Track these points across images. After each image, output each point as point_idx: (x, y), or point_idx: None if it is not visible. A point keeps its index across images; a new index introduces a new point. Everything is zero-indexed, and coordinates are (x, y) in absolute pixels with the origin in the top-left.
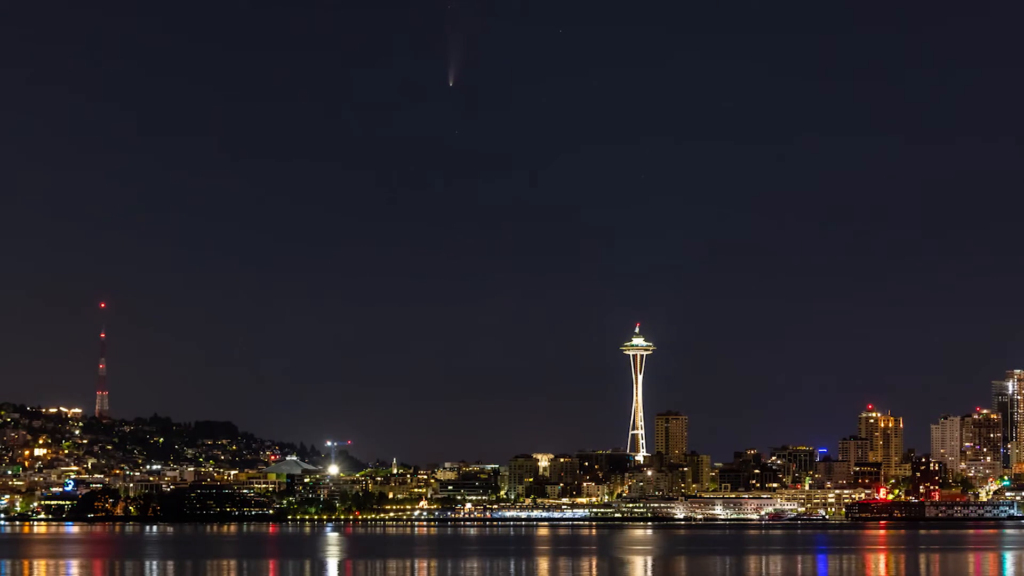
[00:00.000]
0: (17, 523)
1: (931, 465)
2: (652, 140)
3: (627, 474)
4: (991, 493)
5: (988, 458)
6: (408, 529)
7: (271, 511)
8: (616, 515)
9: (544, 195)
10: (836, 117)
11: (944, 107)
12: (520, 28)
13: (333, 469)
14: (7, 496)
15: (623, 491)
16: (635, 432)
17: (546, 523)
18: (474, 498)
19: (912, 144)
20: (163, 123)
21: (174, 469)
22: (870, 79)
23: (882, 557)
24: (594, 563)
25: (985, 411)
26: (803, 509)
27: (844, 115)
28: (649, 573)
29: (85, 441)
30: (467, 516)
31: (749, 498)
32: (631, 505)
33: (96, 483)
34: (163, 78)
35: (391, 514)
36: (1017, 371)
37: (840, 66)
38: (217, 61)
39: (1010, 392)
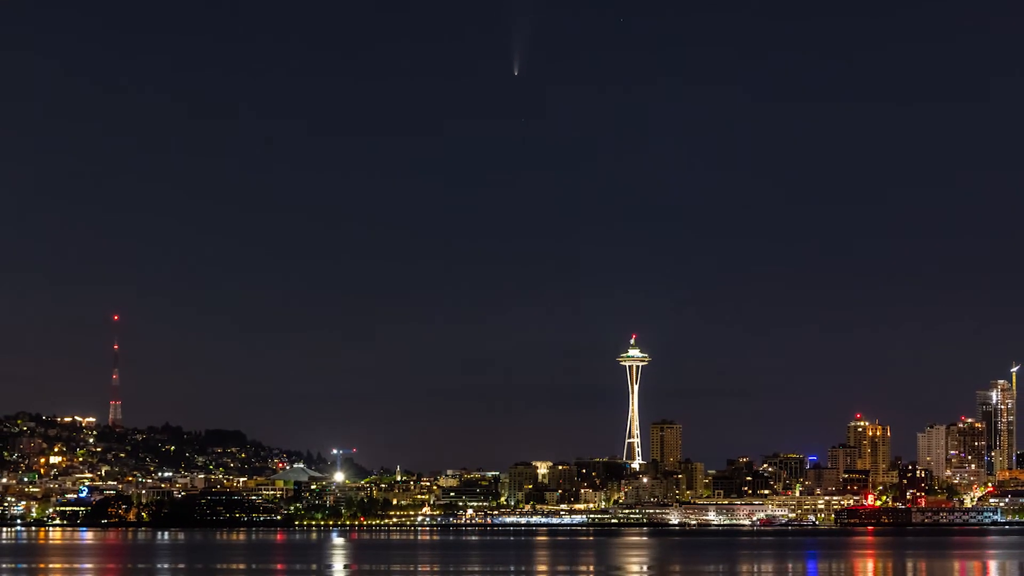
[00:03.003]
0: (33, 529)
1: (917, 472)
2: (654, 154)
3: (623, 481)
4: (975, 500)
5: (973, 466)
6: (411, 535)
7: (279, 517)
8: (613, 521)
9: (543, 206)
10: (832, 126)
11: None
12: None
13: (339, 476)
14: (23, 502)
15: (620, 497)
16: (631, 440)
17: (545, 529)
18: (475, 504)
19: None
20: (179, 138)
21: (185, 476)
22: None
23: (870, 563)
24: (592, 568)
25: (970, 420)
26: (794, 515)
27: (839, 124)
28: None
29: (99, 449)
30: (468, 522)
31: (741, 504)
32: (627, 511)
33: (109, 490)
34: (186, 87)
35: (395, 520)
36: (1001, 381)
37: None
38: (247, 56)
39: (994, 402)
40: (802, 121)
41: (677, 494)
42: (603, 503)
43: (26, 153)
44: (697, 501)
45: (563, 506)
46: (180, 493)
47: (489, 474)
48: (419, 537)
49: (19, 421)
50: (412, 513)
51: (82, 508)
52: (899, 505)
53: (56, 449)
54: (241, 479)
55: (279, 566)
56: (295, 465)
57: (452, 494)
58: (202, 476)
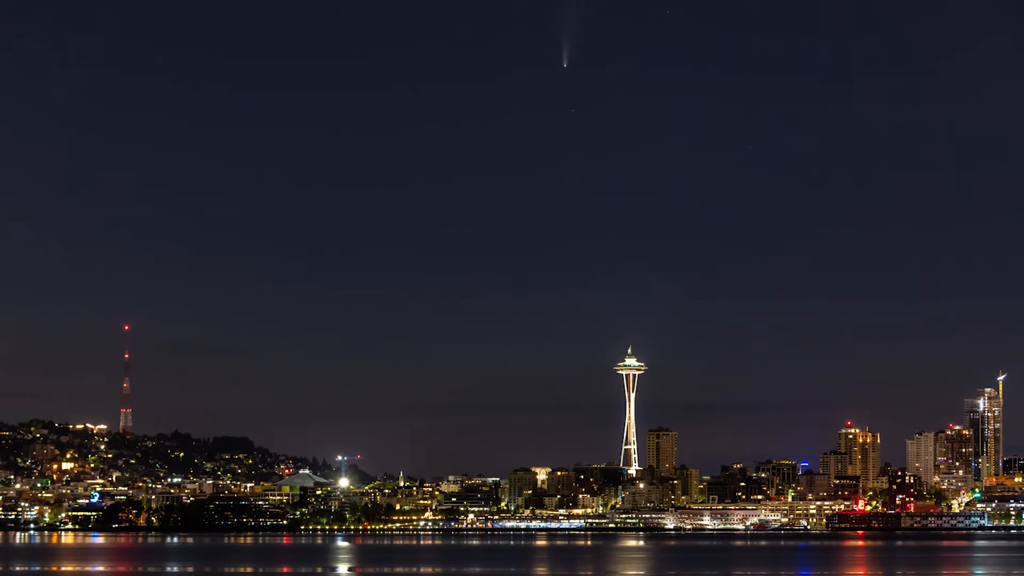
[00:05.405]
0: (46, 533)
1: (907, 478)
2: (655, 163)
3: (620, 486)
4: (963, 505)
5: (960, 472)
6: (414, 539)
7: (285, 522)
8: (610, 525)
9: (544, 216)
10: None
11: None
12: None
13: (343, 482)
14: (37, 507)
15: (617, 503)
16: (628, 447)
17: (544, 533)
18: (476, 509)
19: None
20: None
21: (194, 482)
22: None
23: (860, 573)
24: (590, 572)
25: (957, 427)
26: (786, 520)
27: (844, 130)
28: None
29: (110, 455)
30: (469, 526)
31: (735, 509)
32: (624, 516)
33: (120, 495)
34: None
35: (398, 525)
36: (988, 389)
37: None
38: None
39: (981, 409)
40: (795, 127)
41: (673, 499)
42: (601, 508)
43: (32, 160)
44: (692, 506)
45: (562, 511)
46: (189, 498)
47: (490, 480)
48: (421, 541)
49: (32, 428)
50: (415, 518)
51: (93, 513)
52: (888, 510)
53: (68, 455)
54: (248, 485)
55: (285, 569)
56: (301, 471)
57: (454, 499)
58: (210, 482)
